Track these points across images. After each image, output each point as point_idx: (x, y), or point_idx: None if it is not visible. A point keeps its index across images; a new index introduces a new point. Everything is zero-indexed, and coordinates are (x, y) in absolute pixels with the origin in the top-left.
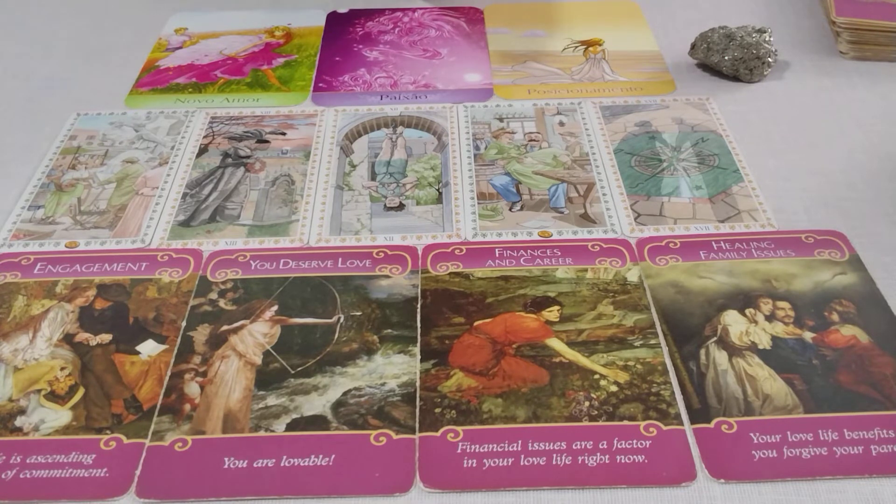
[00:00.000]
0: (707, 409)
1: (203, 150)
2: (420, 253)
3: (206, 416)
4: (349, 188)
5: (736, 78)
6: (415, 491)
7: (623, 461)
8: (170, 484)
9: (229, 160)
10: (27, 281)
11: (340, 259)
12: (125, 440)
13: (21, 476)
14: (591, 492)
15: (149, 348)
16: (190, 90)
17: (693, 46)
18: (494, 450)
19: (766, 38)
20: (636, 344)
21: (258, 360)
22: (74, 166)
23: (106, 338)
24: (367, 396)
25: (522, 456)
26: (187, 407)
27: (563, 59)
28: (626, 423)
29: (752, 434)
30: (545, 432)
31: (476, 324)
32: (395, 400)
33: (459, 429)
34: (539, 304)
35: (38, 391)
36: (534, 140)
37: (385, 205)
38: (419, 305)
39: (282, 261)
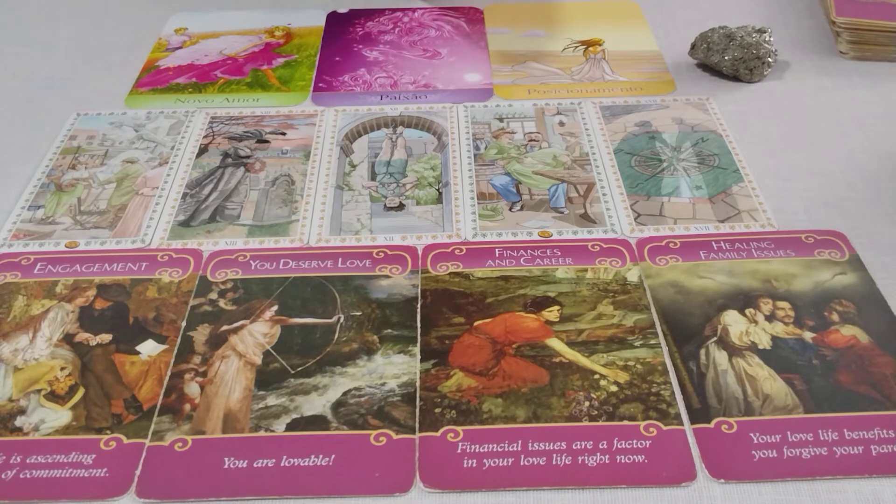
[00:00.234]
0: (707, 409)
1: (203, 150)
2: (420, 253)
3: (206, 416)
4: (349, 188)
5: (736, 78)
6: (415, 491)
7: (623, 461)
8: (170, 484)
9: (229, 160)
10: (27, 281)
11: (340, 259)
12: (125, 440)
13: (21, 476)
14: (591, 492)
15: (149, 348)
16: (190, 90)
17: (693, 46)
18: (494, 450)
19: (766, 38)
20: (636, 344)
21: (258, 360)
22: (74, 166)
23: (106, 338)
24: (367, 396)
25: (522, 456)
26: (187, 407)
27: (563, 59)
28: (626, 423)
29: (752, 434)
30: (545, 432)
31: (476, 324)
32: (395, 400)
33: (459, 429)
34: (539, 304)
35: (38, 391)
36: (534, 140)
37: (385, 205)
38: (419, 305)
39: (282, 261)
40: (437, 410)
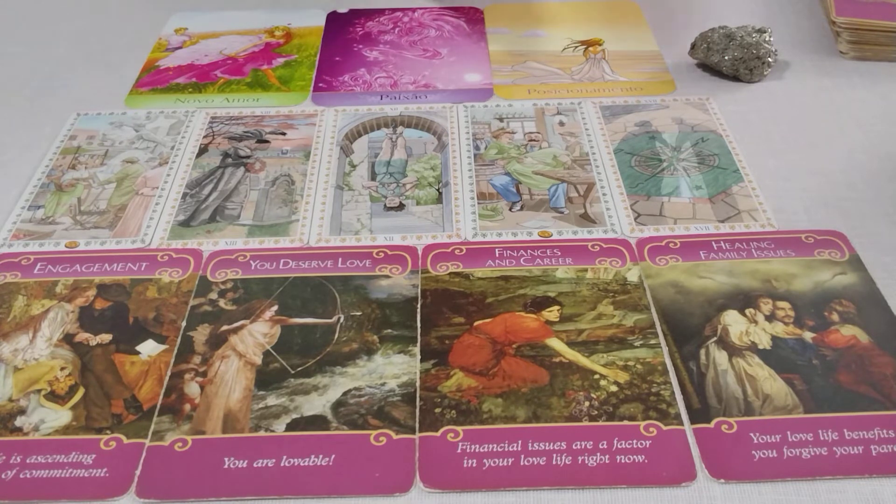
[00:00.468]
0: (707, 409)
1: (203, 150)
2: (420, 253)
3: (206, 416)
4: (349, 188)
5: (736, 78)
6: (415, 491)
7: (623, 461)
8: (170, 484)
9: (229, 160)
10: (27, 281)
11: (340, 259)
12: (125, 440)
13: (21, 476)
14: (591, 492)
15: (149, 348)
16: (190, 90)
17: (693, 46)
18: (494, 450)
19: (766, 38)
20: (636, 344)
21: (258, 360)
22: (74, 166)
23: (106, 338)
24: (367, 396)
25: (522, 456)
26: (187, 407)
27: (563, 59)
28: (626, 423)
29: (752, 434)
30: (545, 432)
31: (476, 324)
32: (395, 400)
33: (459, 429)
34: (539, 304)
35: (38, 391)
36: (534, 140)
37: (385, 205)
38: (419, 305)
39: (282, 261)
40: (437, 410)
